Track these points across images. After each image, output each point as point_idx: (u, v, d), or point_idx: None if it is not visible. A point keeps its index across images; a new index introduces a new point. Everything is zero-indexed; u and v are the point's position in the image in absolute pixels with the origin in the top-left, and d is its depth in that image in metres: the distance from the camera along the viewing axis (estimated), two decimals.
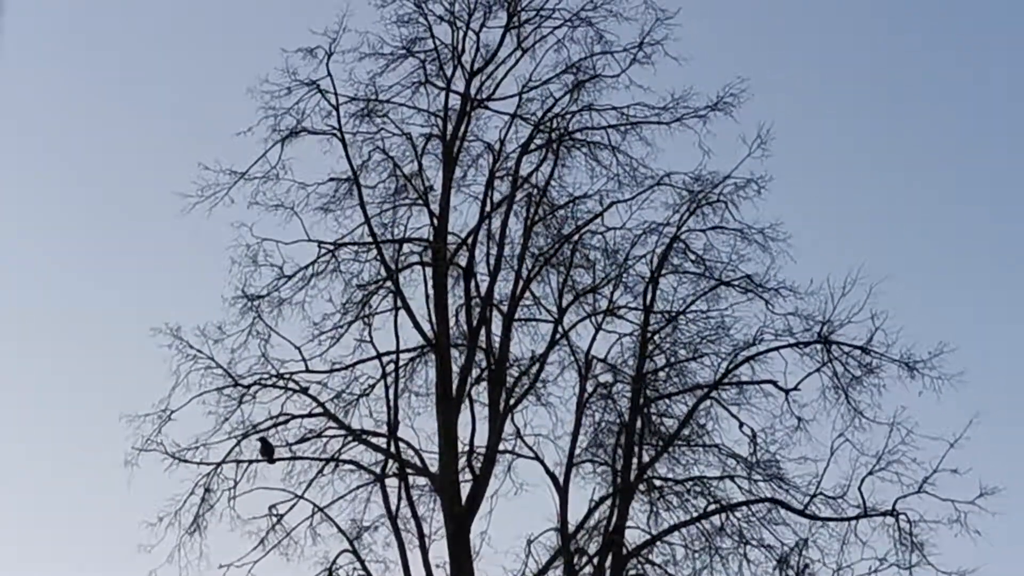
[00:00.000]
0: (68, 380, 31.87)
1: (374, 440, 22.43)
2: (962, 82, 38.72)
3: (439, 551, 21.56)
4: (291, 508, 22.24)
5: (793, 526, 21.56)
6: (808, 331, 21.92)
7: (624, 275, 22.79)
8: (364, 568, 21.87)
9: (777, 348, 22.03)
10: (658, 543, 21.76)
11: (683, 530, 21.79)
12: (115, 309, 32.36)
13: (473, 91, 23.65)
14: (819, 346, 21.82)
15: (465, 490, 21.78)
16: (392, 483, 22.05)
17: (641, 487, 21.89)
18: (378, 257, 22.89)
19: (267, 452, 22.26)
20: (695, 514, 21.77)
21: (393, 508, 21.80)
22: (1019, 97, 38.13)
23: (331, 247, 22.95)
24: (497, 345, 22.46)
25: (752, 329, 22.24)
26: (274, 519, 22.18)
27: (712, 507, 21.76)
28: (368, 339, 22.67)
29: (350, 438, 22.49)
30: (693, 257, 22.79)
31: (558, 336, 22.58)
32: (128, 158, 33.14)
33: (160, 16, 33.30)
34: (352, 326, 22.77)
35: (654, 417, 22.39)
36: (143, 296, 30.99)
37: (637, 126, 23.28)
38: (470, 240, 23.05)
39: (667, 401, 22.54)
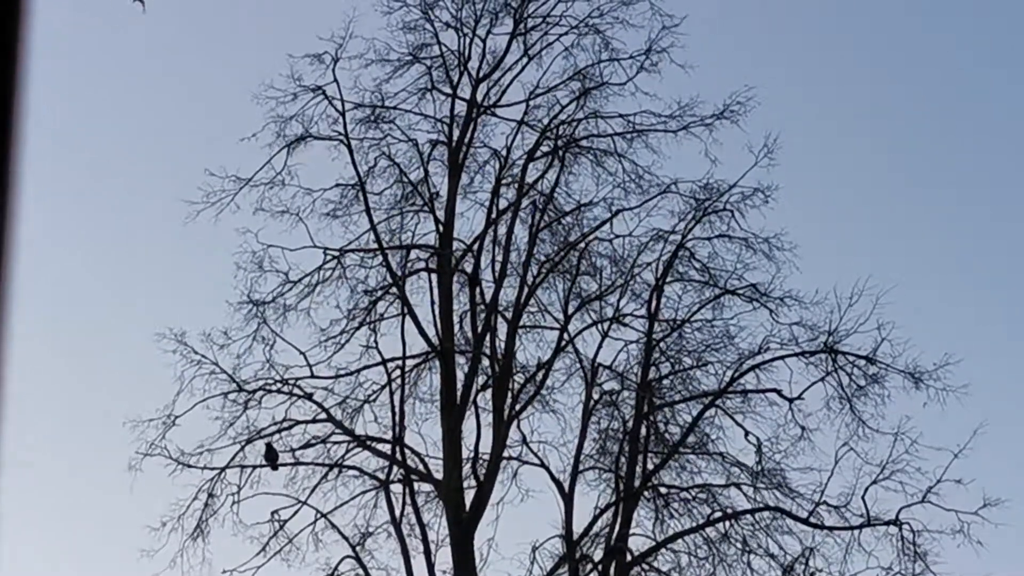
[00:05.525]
0: (72, 384, 31.80)
1: (378, 446, 22.43)
2: (970, 90, 38.66)
3: (443, 558, 21.59)
4: (294, 514, 22.27)
5: (797, 534, 21.58)
6: (813, 340, 21.90)
7: (630, 282, 22.78)
8: (367, 574, 21.84)
9: (782, 357, 22.01)
10: (662, 550, 21.76)
11: (687, 538, 21.78)
12: (120, 314, 32.31)
13: (479, 98, 23.65)
14: (824, 355, 21.79)
15: (469, 497, 21.75)
16: (396, 489, 22.08)
17: (646, 494, 21.88)
18: (384, 263, 22.91)
19: (271, 457, 22.24)
20: (700, 521, 21.77)
21: (397, 514, 21.81)
22: None
23: (337, 253, 22.96)
24: (502, 352, 22.45)
25: (757, 338, 22.25)
26: (277, 525, 22.19)
27: (716, 515, 21.76)
28: (373, 345, 22.72)
29: (354, 444, 22.48)
30: (698, 265, 22.78)
31: (564, 343, 22.57)
32: (134, 164, 33.11)
33: (165, 21, 33.27)
34: (357, 332, 22.80)
35: (659, 425, 22.39)
36: (148, 301, 30.96)
37: (643, 134, 23.26)
38: (476, 247, 23.05)
39: (672, 409, 22.55)
